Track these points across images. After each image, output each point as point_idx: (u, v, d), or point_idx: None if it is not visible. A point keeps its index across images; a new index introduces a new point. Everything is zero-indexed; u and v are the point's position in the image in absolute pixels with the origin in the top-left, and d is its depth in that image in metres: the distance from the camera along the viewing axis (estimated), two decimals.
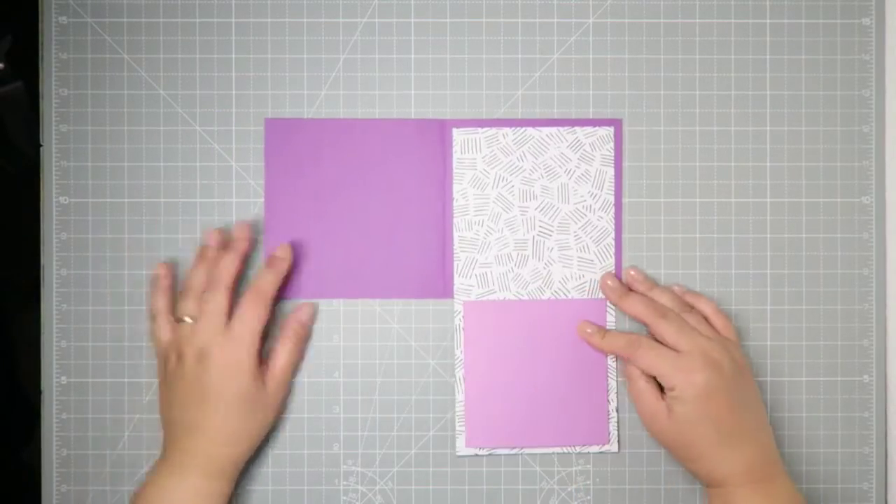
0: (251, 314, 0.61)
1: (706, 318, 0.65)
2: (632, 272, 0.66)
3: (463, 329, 0.65)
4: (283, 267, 0.64)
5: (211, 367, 0.60)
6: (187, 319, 0.61)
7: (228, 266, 0.62)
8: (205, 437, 0.59)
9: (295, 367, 0.65)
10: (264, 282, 0.63)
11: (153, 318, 0.63)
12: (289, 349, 0.64)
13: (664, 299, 0.64)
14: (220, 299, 0.61)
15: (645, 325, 0.64)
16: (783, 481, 0.60)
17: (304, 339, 0.65)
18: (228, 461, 0.60)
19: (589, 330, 0.65)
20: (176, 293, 0.64)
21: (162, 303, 0.63)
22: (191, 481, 0.59)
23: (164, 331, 0.62)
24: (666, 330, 0.62)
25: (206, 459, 0.59)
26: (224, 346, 0.60)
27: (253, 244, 0.65)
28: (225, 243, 0.64)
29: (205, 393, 0.60)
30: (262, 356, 0.63)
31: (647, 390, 0.62)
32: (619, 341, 0.64)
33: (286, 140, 0.65)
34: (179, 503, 0.58)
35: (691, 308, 0.64)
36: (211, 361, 0.60)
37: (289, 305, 0.66)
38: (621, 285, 0.65)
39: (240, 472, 0.62)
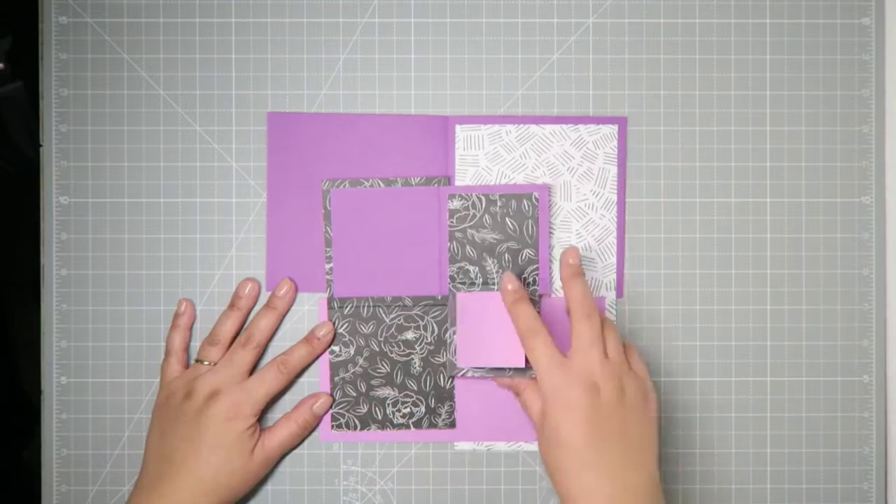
0: (272, 379, 0.63)
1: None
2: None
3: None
4: (320, 348, 0.64)
5: (219, 408, 0.60)
6: (206, 363, 0.63)
7: (267, 326, 0.64)
8: (190, 476, 0.59)
9: (289, 450, 0.65)
10: (296, 357, 0.64)
11: (166, 353, 0.64)
12: (291, 431, 0.64)
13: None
14: (250, 358, 0.63)
15: (568, 312, 0.60)
16: None
17: (311, 428, 0.65)
18: None
19: (510, 287, 0.60)
20: (192, 332, 0.65)
21: (178, 341, 0.64)
22: None
23: (175, 368, 0.63)
24: (583, 331, 0.58)
25: None
26: (237, 395, 0.61)
27: (292, 301, 0.65)
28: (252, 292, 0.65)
29: (203, 433, 0.60)
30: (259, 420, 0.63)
31: (530, 404, 0.59)
32: (525, 316, 0.59)
33: (288, 135, 0.65)
34: None
35: (612, 326, 0.60)
36: (220, 404, 0.60)
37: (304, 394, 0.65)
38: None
39: None
